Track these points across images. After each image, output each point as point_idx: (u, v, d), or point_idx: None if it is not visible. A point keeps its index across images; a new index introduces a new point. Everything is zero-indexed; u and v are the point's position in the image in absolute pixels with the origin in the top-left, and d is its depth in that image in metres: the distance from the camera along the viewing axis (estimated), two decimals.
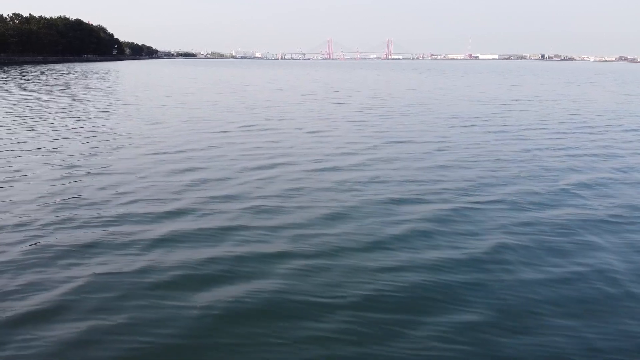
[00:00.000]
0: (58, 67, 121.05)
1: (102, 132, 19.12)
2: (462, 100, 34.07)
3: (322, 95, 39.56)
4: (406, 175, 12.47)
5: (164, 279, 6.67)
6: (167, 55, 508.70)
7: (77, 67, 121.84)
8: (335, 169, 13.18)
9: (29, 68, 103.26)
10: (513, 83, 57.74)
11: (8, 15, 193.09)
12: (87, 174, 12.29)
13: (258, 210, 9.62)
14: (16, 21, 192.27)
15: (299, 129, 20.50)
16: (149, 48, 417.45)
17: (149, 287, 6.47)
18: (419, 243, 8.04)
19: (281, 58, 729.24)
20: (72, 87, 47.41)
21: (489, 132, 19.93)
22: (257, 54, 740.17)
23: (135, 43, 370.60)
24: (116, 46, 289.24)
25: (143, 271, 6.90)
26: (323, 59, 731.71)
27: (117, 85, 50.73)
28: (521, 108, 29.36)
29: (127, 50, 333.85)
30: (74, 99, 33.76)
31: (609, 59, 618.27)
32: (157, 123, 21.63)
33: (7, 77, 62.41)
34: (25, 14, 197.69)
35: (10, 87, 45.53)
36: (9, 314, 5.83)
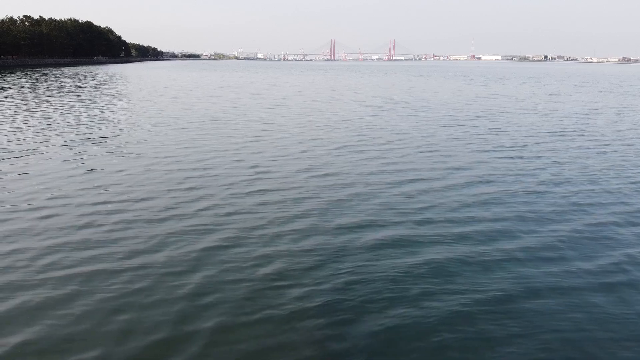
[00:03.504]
0: (74, 70, 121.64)
1: (233, 162, 19.31)
2: (526, 114, 34.52)
3: (376, 106, 39.92)
4: (571, 204, 12.93)
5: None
6: (172, 56, 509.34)
7: (96, 70, 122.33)
8: (491, 196, 13.57)
9: (47, 72, 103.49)
10: (551, 92, 58.15)
11: (18, 17, 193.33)
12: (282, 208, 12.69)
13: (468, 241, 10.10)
14: (26, 23, 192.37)
15: (402, 148, 20.91)
16: (155, 49, 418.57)
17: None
18: None
19: (284, 59, 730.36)
20: (124, 98, 47.85)
21: (593, 155, 20.32)
22: (260, 55, 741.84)
23: (140, 44, 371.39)
24: (124, 48, 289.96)
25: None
26: (326, 60, 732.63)
27: (166, 96, 51.21)
28: (590, 122, 29.96)
29: (134, 52, 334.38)
30: (153, 117, 34.21)
31: (612, 60, 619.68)
32: (251, 142, 22.20)
33: (41, 84, 62.76)
34: (28, 15, 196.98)
35: (64, 96, 45.90)
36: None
